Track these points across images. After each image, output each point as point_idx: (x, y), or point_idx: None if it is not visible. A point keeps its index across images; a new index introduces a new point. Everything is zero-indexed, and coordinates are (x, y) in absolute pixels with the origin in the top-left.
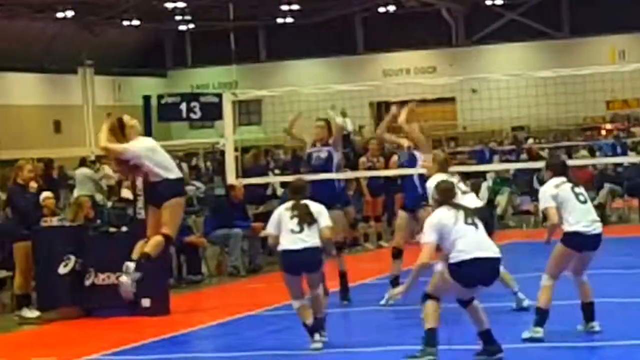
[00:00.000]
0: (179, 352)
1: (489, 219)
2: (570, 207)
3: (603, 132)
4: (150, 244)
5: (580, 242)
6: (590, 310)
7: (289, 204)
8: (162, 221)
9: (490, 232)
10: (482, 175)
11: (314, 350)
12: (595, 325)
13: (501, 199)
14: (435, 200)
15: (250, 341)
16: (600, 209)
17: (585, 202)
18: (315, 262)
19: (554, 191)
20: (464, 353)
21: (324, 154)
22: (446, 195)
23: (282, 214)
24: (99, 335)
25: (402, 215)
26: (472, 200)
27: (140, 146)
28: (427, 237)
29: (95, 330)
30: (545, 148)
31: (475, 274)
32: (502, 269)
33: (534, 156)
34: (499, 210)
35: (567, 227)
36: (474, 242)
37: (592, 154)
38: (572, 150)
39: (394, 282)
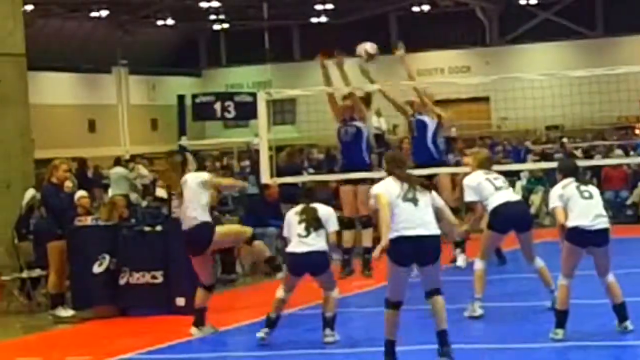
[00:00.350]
0: (213, 351)
1: (526, 214)
2: (573, 203)
3: (637, 132)
4: (257, 252)
5: (580, 237)
6: (622, 310)
7: (299, 207)
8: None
9: (528, 228)
10: (517, 174)
11: (261, 340)
12: (629, 325)
13: (535, 198)
14: (385, 170)
15: (284, 340)
16: (634, 207)
17: (590, 198)
18: (319, 265)
19: (560, 191)
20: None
21: (352, 130)
22: (393, 165)
23: (292, 217)
24: (133, 334)
25: None
26: (507, 195)
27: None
28: (376, 189)
29: (129, 329)
30: (579, 147)
31: (406, 251)
32: (542, 265)
33: (568, 156)
34: (533, 210)
35: (569, 223)
36: (408, 220)
37: (626, 153)
38: (605, 149)
39: None
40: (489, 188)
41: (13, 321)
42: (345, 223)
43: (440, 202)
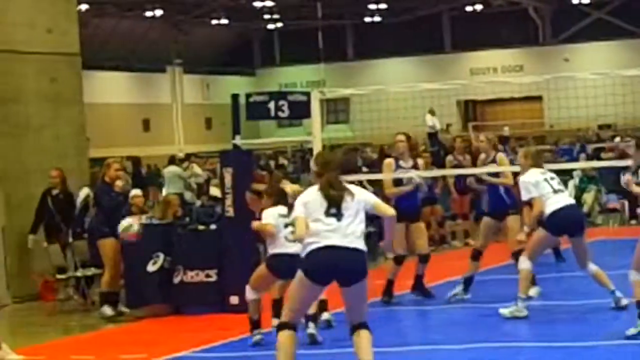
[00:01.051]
0: (267, 350)
1: (581, 219)
2: None
3: None
4: None
5: None
6: None
7: (284, 210)
8: None
9: (581, 232)
10: (569, 173)
11: (255, 344)
12: None
13: (588, 197)
14: (315, 172)
15: (338, 338)
16: None
17: None
18: None
19: None
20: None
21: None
22: (324, 168)
23: (277, 219)
24: (187, 332)
25: (487, 221)
26: (564, 199)
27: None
28: (295, 212)
29: (184, 327)
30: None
31: (323, 263)
32: (596, 269)
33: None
34: (585, 208)
35: None
36: (327, 232)
37: None
38: None
39: (468, 281)
40: (547, 189)
41: (68, 320)
42: (395, 258)
43: (372, 201)
